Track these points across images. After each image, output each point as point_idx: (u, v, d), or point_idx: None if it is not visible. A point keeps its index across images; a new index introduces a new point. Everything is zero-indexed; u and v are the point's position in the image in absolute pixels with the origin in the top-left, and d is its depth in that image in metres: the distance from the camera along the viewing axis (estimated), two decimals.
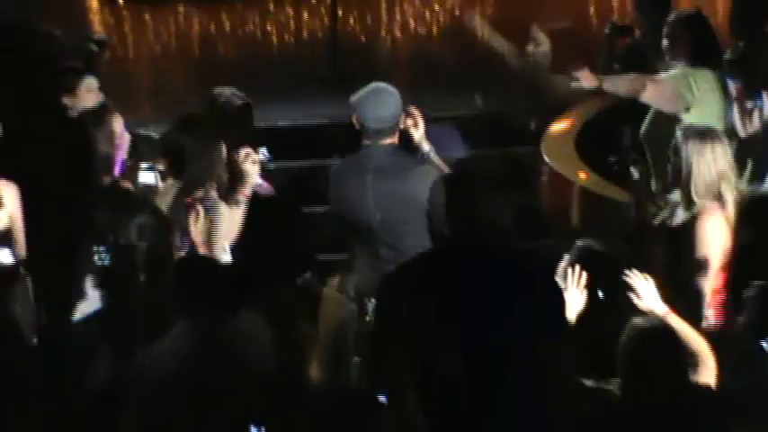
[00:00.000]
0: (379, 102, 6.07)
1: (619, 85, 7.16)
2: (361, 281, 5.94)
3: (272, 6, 15.60)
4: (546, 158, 8.28)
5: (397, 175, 5.99)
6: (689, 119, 6.73)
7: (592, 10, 14.74)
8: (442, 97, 10.53)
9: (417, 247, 5.37)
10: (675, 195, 5.93)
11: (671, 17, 7.20)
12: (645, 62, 8.04)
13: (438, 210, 4.87)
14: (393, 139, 6.09)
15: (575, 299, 5.12)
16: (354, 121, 6.07)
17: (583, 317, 5.11)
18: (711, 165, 5.69)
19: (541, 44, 10.01)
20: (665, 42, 7.08)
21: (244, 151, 6.01)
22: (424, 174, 5.92)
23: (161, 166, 6.42)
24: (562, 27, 12.24)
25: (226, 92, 7.06)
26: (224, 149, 6.04)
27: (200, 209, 5.79)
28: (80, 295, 5.25)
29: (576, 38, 11.25)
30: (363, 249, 6.20)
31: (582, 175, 7.90)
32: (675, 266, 5.75)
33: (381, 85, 6.21)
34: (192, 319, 4.80)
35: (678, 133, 5.89)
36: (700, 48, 6.98)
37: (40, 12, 9.59)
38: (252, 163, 6.01)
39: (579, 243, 5.42)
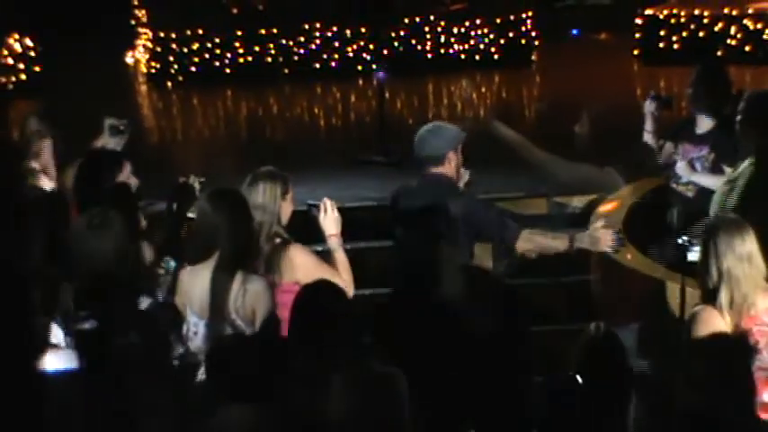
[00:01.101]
0: (430, 133, 6.92)
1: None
2: None
3: (319, 89, 15.72)
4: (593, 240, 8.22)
5: (437, 201, 6.68)
6: None
7: (639, 91, 14.77)
8: (488, 179, 10.51)
9: (449, 261, 6.11)
10: None
11: (746, 96, 7.15)
12: (694, 138, 8.01)
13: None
14: (442, 169, 6.84)
15: None
16: None
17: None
18: (713, 260, 5.54)
19: (584, 126, 10.06)
20: (738, 117, 7.04)
21: (323, 206, 6.36)
22: (457, 201, 6.69)
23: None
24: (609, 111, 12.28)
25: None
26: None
27: (245, 288, 5.75)
28: None
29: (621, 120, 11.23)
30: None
31: (629, 256, 7.84)
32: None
33: (439, 122, 7.30)
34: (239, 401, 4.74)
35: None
36: None
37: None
38: (329, 216, 6.36)
39: (592, 327, 5.36)
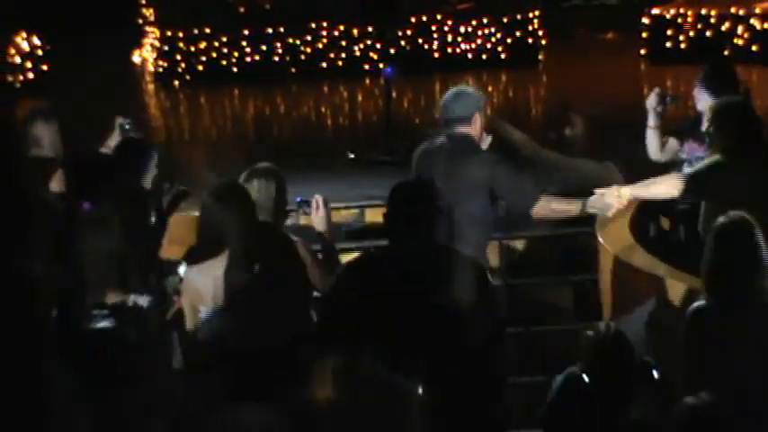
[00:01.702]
0: (458, 95, 7.15)
1: None
2: None
3: (326, 88, 15.73)
4: (600, 239, 8.24)
5: (463, 160, 6.94)
6: None
7: (646, 90, 14.77)
8: None
9: (473, 222, 6.73)
10: None
11: (714, 105, 7.11)
12: (700, 136, 7.99)
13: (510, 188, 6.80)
14: (469, 130, 7.03)
15: None
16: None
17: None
18: (714, 257, 5.51)
19: (576, 127, 10.08)
20: (707, 125, 7.02)
21: (314, 203, 6.34)
22: (483, 161, 6.93)
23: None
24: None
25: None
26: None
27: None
28: None
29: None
30: None
31: (634, 255, 7.84)
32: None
33: (463, 86, 7.53)
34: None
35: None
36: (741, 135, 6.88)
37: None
38: (319, 213, 6.35)
39: (601, 326, 5.36)
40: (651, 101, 8.15)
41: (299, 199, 6.44)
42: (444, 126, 7.09)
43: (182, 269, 6.26)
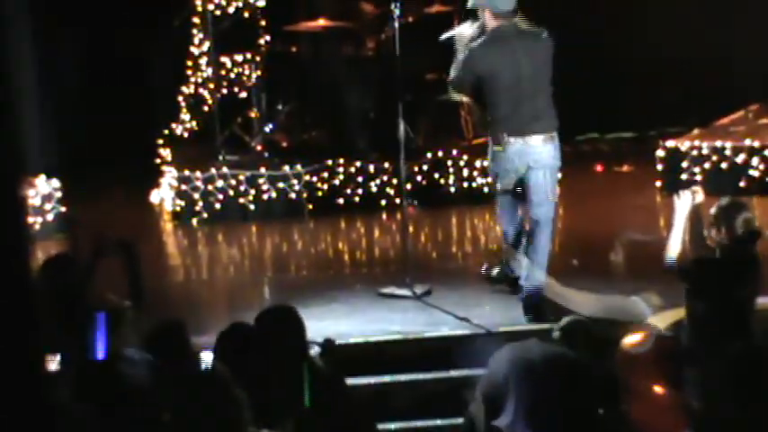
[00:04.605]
0: None
1: None
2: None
3: (343, 224, 15.77)
4: (620, 371, 8.16)
5: (537, 38, 9.03)
6: None
7: (662, 222, 14.77)
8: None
9: (550, 96, 9.08)
10: None
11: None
12: None
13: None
14: (518, 20, 8.98)
15: None
16: (485, 14, 9.02)
17: None
18: None
19: (618, 254, 10.09)
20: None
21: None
22: (548, 39, 9.15)
23: None
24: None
25: None
26: None
27: None
28: None
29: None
30: (506, 104, 9.08)
31: (658, 389, 7.76)
32: None
33: None
34: None
35: None
36: None
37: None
38: None
39: None
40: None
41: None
42: (495, 18, 8.80)
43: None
